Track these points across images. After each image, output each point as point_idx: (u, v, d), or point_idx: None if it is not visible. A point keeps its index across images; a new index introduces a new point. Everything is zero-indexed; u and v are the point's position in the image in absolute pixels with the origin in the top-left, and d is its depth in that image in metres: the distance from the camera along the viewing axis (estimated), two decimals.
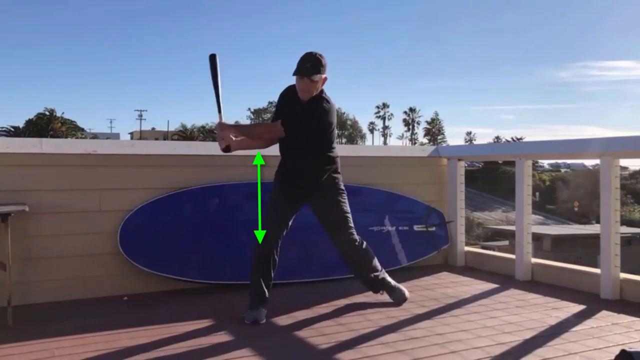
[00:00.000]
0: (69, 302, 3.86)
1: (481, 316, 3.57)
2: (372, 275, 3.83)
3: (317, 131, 3.50)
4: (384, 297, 3.92)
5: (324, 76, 3.45)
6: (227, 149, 3.51)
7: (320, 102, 3.47)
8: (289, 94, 3.56)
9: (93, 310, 3.70)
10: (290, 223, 3.63)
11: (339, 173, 3.67)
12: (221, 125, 3.53)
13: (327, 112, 3.49)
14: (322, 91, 3.50)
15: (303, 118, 3.43)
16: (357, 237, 3.73)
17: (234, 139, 3.50)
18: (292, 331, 3.29)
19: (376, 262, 3.84)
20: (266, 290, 3.53)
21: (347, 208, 3.68)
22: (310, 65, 3.39)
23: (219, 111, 3.59)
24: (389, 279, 3.90)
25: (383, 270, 3.89)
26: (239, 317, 3.47)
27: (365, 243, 3.78)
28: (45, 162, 3.92)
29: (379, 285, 3.88)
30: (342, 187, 3.68)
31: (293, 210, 3.64)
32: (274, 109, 3.59)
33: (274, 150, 3.71)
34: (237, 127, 3.68)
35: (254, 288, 3.54)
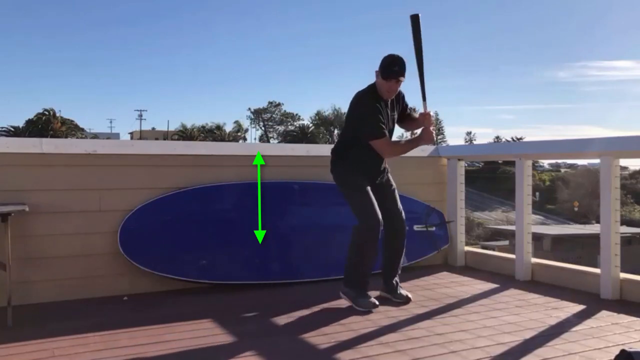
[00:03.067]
0: (69, 302, 3.86)
1: (481, 316, 3.57)
2: (399, 270, 3.97)
3: None
4: (382, 294, 3.93)
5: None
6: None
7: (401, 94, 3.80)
8: (376, 98, 3.65)
9: (93, 310, 3.70)
10: None
11: None
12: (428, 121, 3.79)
13: None
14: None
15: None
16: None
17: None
18: (292, 331, 3.29)
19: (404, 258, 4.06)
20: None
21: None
22: (399, 68, 3.59)
23: (424, 98, 3.78)
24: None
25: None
26: (241, 317, 3.47)
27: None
28: (45, 162, 3.92)
29: (393, 281, 3.95)
30: None
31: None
32: (376, 119, 3.62)
33: (274, 150, 3.72)
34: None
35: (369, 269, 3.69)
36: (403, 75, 3.63)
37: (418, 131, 3.85)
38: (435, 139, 3.85)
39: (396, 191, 3.95)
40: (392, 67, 3.59)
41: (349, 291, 3.72)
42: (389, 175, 3.96)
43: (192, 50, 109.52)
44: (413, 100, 3.96)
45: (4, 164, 3.81)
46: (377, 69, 3.65)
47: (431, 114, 3.79)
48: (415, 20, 3.70)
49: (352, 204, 3.72)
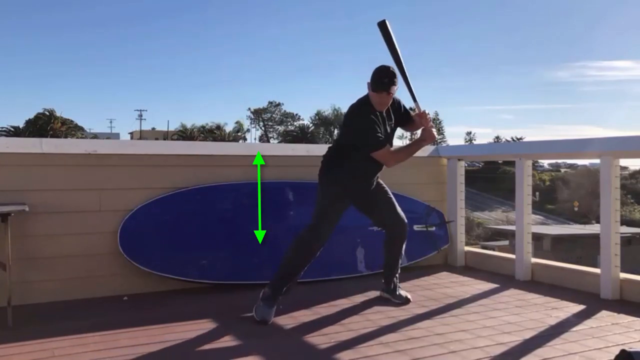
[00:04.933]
0: (69, 302, 3.86)
1: (481, 316, 3.57)
2: (398, 270, 3.96)
3: None
4: (383, 295, 3.94)
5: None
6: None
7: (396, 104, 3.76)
8: (370, 110, 3.61)
9: (93, 310, 3.70)
10: None
11: None
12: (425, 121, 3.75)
13: None
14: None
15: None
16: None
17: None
18: (292, 331, 3.29)
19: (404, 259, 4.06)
20: None
21: None
22: (388, 80, 3.54)
23: (414, 99, 3.75)
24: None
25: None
26: (241, 317, 3.47)
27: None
28: (45, 162, 3.92)
29: (393, 282, 3.94)
30: None
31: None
32: (373, 130, 3.56)
33: (274, 150, 3.72)
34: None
35: (290, 279, 3.63)
36: (394, 85, 3.56)
37: (418, 132, 3.83)
38: (436, 136, 3.82)
39: (390, 194, 3.91)
40: (382, 80, 3.53)
41: (266, 291, 3.54)
42: (379, 180, 3.89)
43: (192, 50, 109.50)
44: (424, 98, 3.93)
45: (4, 164, 3.81)
46: (368, 80, 3.59)
47: (426, 112, 3.75)
48: (383, 26, 3.67)
49: (316, 209, 3.68)
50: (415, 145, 3.75)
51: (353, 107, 3.69)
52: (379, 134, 3.57)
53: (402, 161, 3.76)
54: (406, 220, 3.92)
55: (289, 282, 3.59)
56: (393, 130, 3.76)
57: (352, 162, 3.66)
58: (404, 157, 3.76)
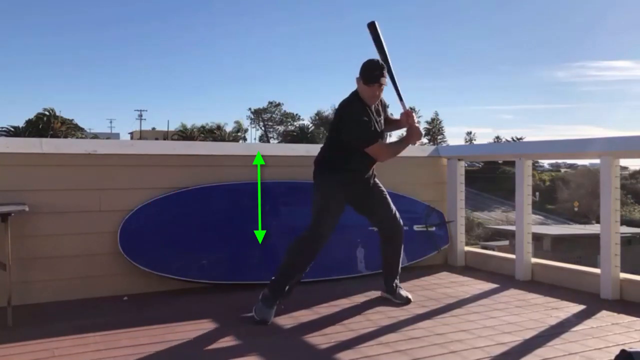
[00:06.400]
0: (69, 302, 3.86)
1: (481, 316, 3.57)
2: (399, 270, 3.95)
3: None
4: (384, 295, 3.93)
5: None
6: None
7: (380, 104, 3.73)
8: (362, 105, 3.60)
9: (93, 310, 3.70)
10: None
11: None
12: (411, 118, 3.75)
13: None
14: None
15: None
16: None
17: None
18: (292, 331, 3.29)
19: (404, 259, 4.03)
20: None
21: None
22: (379, 72, 3.55)
23: (400, 98, 3.76)
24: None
25: None
26: (241, 317, 3.48)
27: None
28: (45, 162, 3.92)
29: (394, 283, 3.93)
30: None
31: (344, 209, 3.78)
32: (367, 125, 3.55)
33: (274, 150, 3.71)
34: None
35: (291, 279, 3.62)
36: (384, 77, 3.57)
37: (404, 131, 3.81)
38: (422, 133, 3.79)
39: (387, 194, 3.89)
40: (373, 72, 3.54)
41: (266, 292, 3.53)
42: (376, 179, 3.89)
43: (192, 50, 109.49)
44: (412, 100, 3.92)
45: (4, 164, 3.81)
46: (357, 75, 3.59)
47: (411, 110, 3.74)
48: (372, 27, 3.69)
49: (314, 210, 3.67)
50: (404, 141, 3.73)
51: (344, 103, 3.67)
52: (372, 128, 3.57)
53: (392, 157, 3.73)
54: (401, 222, 3.91)
55: (289, 283, 3.59)
56: (382, 127, 3.75)
57: (346, 159, 3.65)
58: (394, 152, 3.73)
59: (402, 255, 3.98)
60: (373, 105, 3.66)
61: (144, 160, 4.24)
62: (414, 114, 3.77)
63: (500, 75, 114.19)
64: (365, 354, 2.89)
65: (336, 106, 3.84)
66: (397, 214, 3.90)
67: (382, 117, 3.75)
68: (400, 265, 3.98)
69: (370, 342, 3.07)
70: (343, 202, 3.71)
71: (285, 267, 3.60)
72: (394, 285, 3.93)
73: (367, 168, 3.77)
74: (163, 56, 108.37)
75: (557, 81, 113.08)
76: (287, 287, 3.57)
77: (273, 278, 3.59)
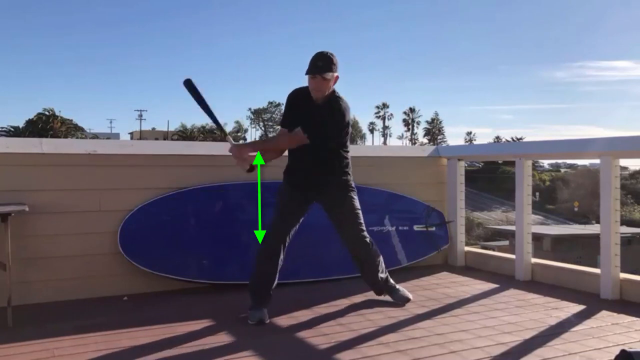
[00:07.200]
0: (69, 302, 3.86)
1: (481, 316, 3.57)
2: (379, 276, 3.82)
3: (335, 131, 3.48)
4: (384, 297, 3.93)
5: (335, 74, 3.44)
6: (251, 168, 3.45)
7: (336, 101, 3.48)
8: (300, 96, 3.52)
9: (93, 310, 3.70)
10: (299, 223, 3.62)
11: (349, 172, 3.66)
12: (236, 148, 3.47)
13: (345, 111, 3.50)
14: (334, 90, 3.50)
15: (321, 119, 3.41)
16: (367, 235, 3.72)
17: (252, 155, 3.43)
18: (292, 331, 3.29)
19: (383, 264, 3.83)
20: (270, 290, 3.54)
21: (358, 205, 3.67)
22: (322, 63, 3.38)
23: (225, 134, 3.61)
24: (392, 280, 3.92)
25: (386, 271, 3.90)
26: (240, 317, 3.48)
27: (374, 244, 3.77)
28: (45, 162, 3.92)
29: (383, 287, 3.87)
30: (353, 185, 3.68)
31: (304, 210, 3.63)
32: (283, 113, 3.50)
33: None
34: (255, 144, 3.72)
35: (258, 286, 3.54)
36: (321, 74, 3.35)
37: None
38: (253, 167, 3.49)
39: (358, 213, 3.66)
40: (315, 63, 3.36)
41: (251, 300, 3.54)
42: (352, 195, 3.63)
43: (192, 50, 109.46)
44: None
45: (4, 164, 3.81)
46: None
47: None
48: (189, 84, 3.47)
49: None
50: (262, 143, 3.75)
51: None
52: (284, 116, 3.53)
53: (289, 146, 3.56)
54: (368, 239, 3.70)
55: (256, 286, 3.54)
56: (323, 121, 3.41)
57: (289, 158, 3.63)
58: (271, 146, 3.68)
59: (379, 264, 3.80)
60: (319, 100, 3.44)
61: (144, 160, 4.23)
62: (242, 149, 3.50)
63: (501, 75, 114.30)
64: (365, 354, 2.89)
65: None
66: (366, 235, 3.70)
67: (329, 116, 3.44)
68: (381, 274, 3.82)
69: (370, 342, 3.07)
70: (289, 205, 3.59)
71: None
72: (392, 285, 3.89)
73: (302, 164, 3.57)
74: (163, 56, 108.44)
75: (557, 81, 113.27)
76: (269, 292, 3.53)
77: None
